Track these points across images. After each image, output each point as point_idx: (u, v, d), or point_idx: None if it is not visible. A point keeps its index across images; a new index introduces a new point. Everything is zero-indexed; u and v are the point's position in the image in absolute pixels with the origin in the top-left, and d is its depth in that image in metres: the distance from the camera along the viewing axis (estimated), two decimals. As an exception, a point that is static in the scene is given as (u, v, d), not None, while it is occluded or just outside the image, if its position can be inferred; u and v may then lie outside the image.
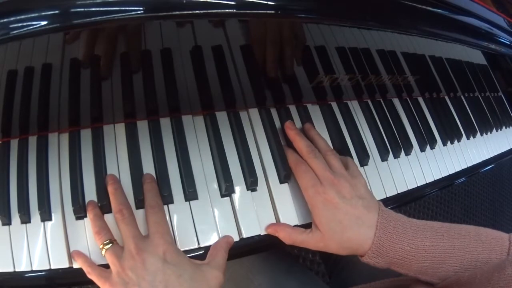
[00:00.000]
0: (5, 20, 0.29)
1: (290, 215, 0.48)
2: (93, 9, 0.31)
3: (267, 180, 0.49)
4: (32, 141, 0.45)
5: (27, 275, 0.40)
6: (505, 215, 1.72)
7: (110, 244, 0.41)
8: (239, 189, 0.48)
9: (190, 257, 0.43)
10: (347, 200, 0.44)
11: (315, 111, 0.57)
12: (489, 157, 0.76)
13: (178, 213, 0.45)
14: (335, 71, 0.54)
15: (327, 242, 0.43)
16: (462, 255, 0.41)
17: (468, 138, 0.73)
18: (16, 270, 0.40)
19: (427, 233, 0.42)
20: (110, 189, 0.43)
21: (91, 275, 0.41)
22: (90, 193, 0.43)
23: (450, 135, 0.69)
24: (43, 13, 0.30)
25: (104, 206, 0.43)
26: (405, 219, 0.44)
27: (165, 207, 0.45)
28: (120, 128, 0.47)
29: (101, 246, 0.41)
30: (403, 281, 0.55)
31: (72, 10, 0.31)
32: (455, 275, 0.42)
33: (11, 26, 0.30)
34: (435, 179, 0.63)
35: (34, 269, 0.40)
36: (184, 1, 0.33)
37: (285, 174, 0.49)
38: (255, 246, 0.48)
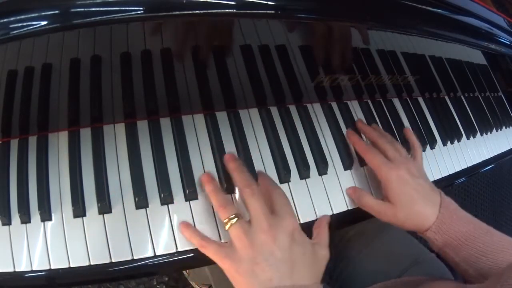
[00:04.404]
0: (5, 20, 0.29)
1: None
2: (93, 9, 0.31)
3: (267, 180, 0.49)
4: (32, 141, 0.45)
5: (27, 275, 0.40)
6: (505, 215, 1.72)
7: (236, 219, 0.40)
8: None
9: (192, 256, 0.43)
10: (416, 178, 0.48)
11: (315, 111, 0.57)
12: (489, 157, 0.76)
13: (178, 213, 0.45)
14: (335, 71, 0.54)
15: (396, 212, 0.47)
16: (497, 253, 0.45)
17: (468, 138, 0.73)
18: (16, 270, 0.40)
19: (475, 224, 0.47)
20: (232, 165, 0.44)
21: (206, 249, 0.41)
22: (90, 193, 0.43)
23: (450, 135, 0.69)
24: (43, 13, 0.30)
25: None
26: (460, 208, 0.49)
27: (165, 207, 0.45)
28: (120, 128, 0.47)
29: (225, 221, 0.40)
30: (404, 282, 0.55)
31: (72, 10, 0.31)
32: (489, 271, 0.45)
33: (11, 26, 0.30)
34: (435, 179, 0.63)
35: (34, 269, 0.40)
36: (184, 1, 0.33)
37: (285, 174, 0.49)
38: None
